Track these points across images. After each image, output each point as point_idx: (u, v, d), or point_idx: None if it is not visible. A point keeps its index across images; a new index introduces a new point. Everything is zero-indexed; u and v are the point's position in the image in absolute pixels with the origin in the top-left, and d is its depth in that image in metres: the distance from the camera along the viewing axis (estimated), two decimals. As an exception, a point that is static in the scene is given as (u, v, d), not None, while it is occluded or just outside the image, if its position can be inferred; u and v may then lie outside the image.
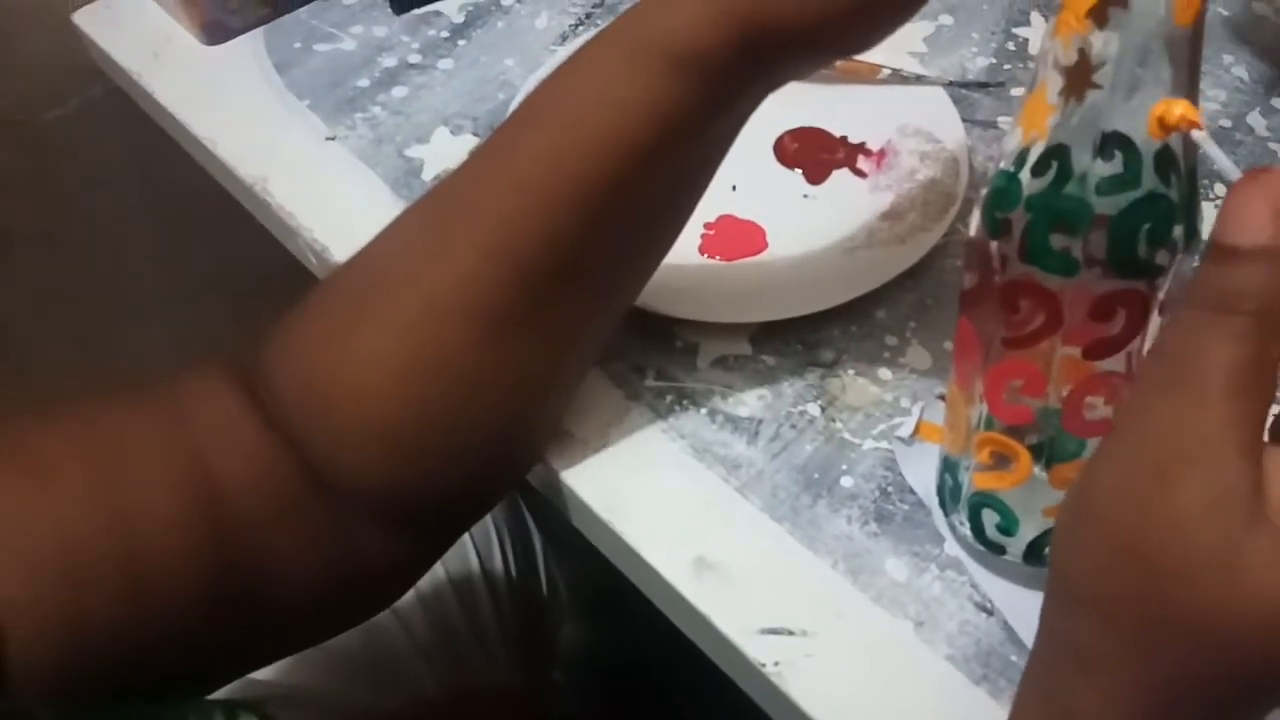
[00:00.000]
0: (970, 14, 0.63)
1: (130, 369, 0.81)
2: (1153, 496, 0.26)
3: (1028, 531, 0.39)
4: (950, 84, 0.58)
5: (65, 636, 0.33)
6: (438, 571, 0.65)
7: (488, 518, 0.68)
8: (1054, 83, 0.30)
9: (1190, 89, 0.29)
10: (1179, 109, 0.28)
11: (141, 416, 0.38)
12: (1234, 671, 0.26)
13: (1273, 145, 0.55)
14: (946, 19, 0.62)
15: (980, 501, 0.39)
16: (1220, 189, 0.53)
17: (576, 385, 0.45)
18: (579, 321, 0.41)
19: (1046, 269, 0.32)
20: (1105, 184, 0.30)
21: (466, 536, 0.66)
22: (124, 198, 0.83)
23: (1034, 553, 0.40)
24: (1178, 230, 0.32)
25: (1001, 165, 0.33)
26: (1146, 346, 0.34)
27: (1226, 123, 0.56)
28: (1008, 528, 0.39)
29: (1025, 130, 0.32)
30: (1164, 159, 0.30)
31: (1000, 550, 0.40)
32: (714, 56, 0.35)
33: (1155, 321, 0.33)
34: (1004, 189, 0.33)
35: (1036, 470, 0.37)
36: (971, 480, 0.39)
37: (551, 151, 0.37)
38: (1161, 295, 0.33)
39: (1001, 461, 0.38)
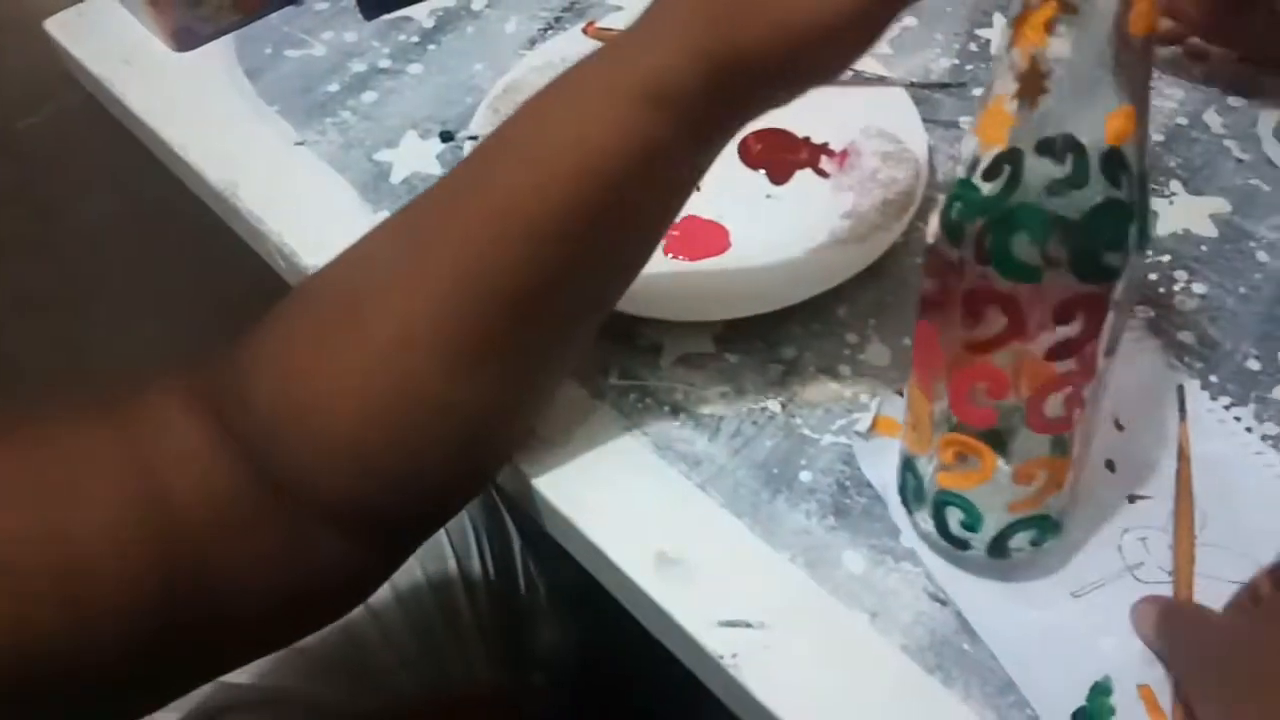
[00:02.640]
0: (934, 15, 0.64)
1: (112, 375, 0.81)
2: None
3: (991, 527, 0.40)
4: (912, 85, 0.58)
5: (3, 649, 0.33)
6: (415, 572, 0.65)
7: (465, 518, 0.68)
8: (1009, 90, 0.31)
9: (1142, 94, 0.30)
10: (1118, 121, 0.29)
11: (93, 431, 0.38)
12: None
13: (1228, 143, 0.56)
14: (910, 20, 0.63)
15: (944, 500, 0.40)
16: (1175, 185, 0.54)
17: (549, 401, 0.46)
18: (552, 345, 0.41)
19: (1007, 275, 0.33)
20: (1055, 185, 0.31)
21: (444, 536, 0.67)
22: (104, 204, 0.83)
23: (997, 547, 0.40)
24: (1133, 232, 0.32)
25: (960, 173, 0.33)
26: (1103, 346, 0.35)
27: (1183, 120, 0.57)
28: (972, 524, 0.40)
29: (982, 139, 0.32)
30: (1112, 161, 0.31)
31: (964, 546, 0.41)
32: (688, 95, 0.36)
33: (1110, 321, 0.34)
34: (962, 196, 0.33)
35: (1000, 466, 0.38)
36: (935, 479, 0.40)
37: (529, 184, 0.37)
38: (1116, 296, 0.33)
39: (965, 461, 0.38)
